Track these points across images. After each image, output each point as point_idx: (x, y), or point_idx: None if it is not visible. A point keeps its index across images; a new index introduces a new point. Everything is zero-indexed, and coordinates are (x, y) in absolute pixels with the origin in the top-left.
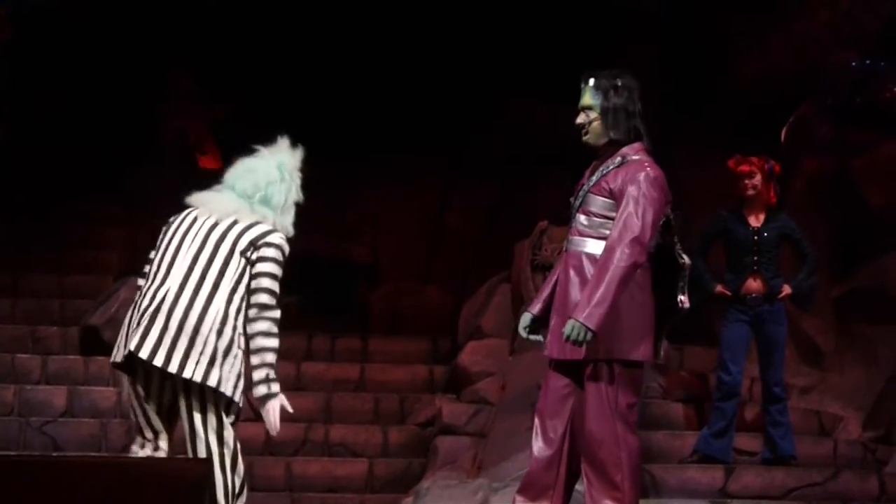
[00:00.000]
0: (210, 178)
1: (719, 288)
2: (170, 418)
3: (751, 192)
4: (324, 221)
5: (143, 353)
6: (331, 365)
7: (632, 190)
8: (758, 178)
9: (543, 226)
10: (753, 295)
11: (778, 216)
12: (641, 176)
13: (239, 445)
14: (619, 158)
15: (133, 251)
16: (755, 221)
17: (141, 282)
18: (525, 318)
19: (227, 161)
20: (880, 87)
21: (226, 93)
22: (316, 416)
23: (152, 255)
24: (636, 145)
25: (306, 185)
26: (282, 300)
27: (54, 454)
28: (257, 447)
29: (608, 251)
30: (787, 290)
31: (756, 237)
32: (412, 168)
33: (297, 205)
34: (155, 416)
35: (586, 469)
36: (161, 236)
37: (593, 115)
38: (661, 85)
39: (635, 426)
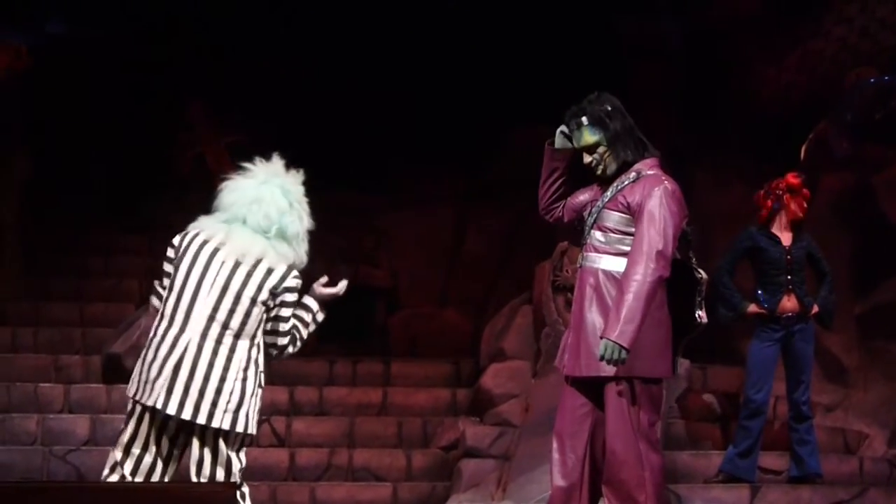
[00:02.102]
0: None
1: (753, 307)
2: (170, 458)
3: (803, 214)
4: (342, 247)
5: (171, 409)
6: (353, 389)
7: (651, 204)
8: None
9: (564, 247)
10: (788, 314)
11: (804, 234)
12: (660, 190)
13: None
14: (633, 174)
15: (154, 279)
16: (786, 240)
17: (156, 302)
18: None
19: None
20: None
21: (243, 119)
22: (339, 440)
23: (168, 270)
24: (649, 161)
25: (324, 211)
26: None
27: (79, 482)
28: (281, 473)
29: (633, 266)
30: (815, 308)
31: (789, 256)
32: (429, 193)
33: (314, 231)
34: (153, 455)
35: (608, 491)
36: (177, 258)
37: (602, 149)
38: (676, 104)
39: (658, 444)
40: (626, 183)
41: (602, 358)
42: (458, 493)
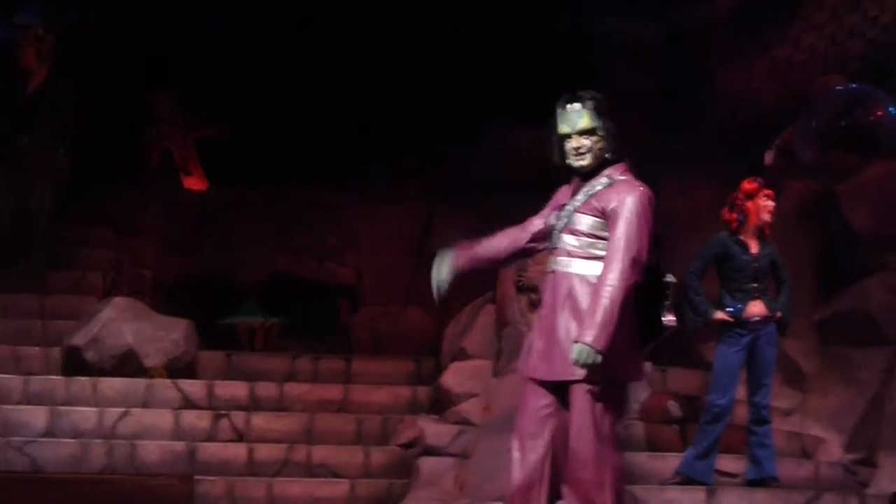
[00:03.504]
0: (196, 199)
1: (719, 314)
2: None
3: (769, 216)
4: (306, 243)
5: None
6: (314, 386)
7: (626, 210)
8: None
9: None
10: (756, 318)
11: (769, 241)
12: (635, 196)
13: None
14: (605, 179)
15: (118, 272)
16: (754, 248)
17: None
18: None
19: (212, 181)
20: (865, 111)
21: (210, 113)
22: (298, 436)
23: None
24: (620, 166)
25: (290, 206)
26: (265, 321)
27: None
28: (238, 468)
29: (608, 271)
30: (778, 313)
31: (756, 264)
32: (397, 191)
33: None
34: None
35: (567, 490)
36: None
37: (595, 138)
38: (649, 108)
39: (620, 446)
40: (599, 188)
41: (576, 362)
42: (417, 490)
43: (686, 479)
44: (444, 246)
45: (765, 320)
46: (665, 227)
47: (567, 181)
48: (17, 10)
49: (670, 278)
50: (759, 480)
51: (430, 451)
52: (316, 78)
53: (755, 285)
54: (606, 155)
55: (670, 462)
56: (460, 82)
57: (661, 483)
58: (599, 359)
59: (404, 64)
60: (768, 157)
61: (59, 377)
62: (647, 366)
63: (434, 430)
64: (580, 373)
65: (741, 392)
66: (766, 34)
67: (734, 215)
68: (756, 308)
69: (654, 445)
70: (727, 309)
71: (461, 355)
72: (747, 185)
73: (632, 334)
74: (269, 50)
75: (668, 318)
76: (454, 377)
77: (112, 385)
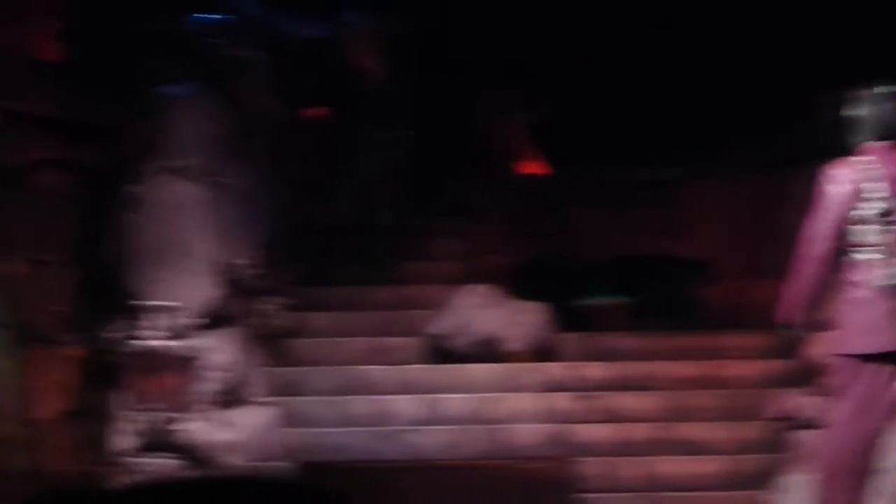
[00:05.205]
0: (536, 183)
1: None
2: None
3: None
4: (648, 221)
5: None
6: (677, 363)
7: None
8: None
9: None
10: None
11: None
12: None
13: None
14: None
15: (471, 260)
16: None
17: None
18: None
19: (550, 164)
20: None
21: (540, 99)
22: (668, 414)
23: None
24: None
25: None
26: (617, 301)
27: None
28: (610, 448)
29: None
30: None
31: None
32: (730, 163)
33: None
34: None
35: None
36: None
37: None
38: None
39: None
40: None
41: None
42: (793, 464)
43: None
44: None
45: None
46: None
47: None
48: (344, 9)
49: None
50: None
51: (804, 425)
52: (637, 53)
53: None
54: None
55: None
56: (790, 50)
57: None
58: None
59: (730, 32)
60: None
61: (426, 366)
62: None
63: (806, 404)
64: None
65: None
66: None
67: None
68: None
69: None
70: None
71: (823, 326)
72: None
73: None
74: (582, 29)
75: None
76: (821, 348)
77: (477, 371)
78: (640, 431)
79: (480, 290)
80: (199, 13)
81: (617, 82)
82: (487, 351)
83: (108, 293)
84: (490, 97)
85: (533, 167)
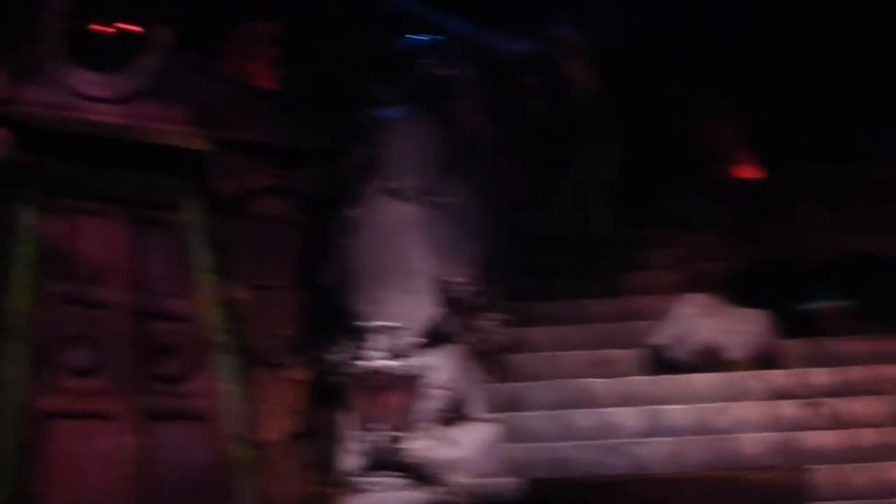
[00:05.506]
0: (752, 187)
1: None
2: None
3: None
4: (870, 220)
5: None
6: None
7: None
8: None
9: None
10: None
11: None
12: None
13: None
14: None
15: (688, 269)
16: None
17: None
18: None
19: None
20: None
21: (747, 102)
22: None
23: None
24: None
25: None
26: (842, 305)
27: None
28: (840, 456)
29: None
30: None
31: None
32: None
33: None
34: None
35: None
36: None
37: None
38: None
39: None
40: None
41: None
42: None
43: None
44: None
45: None
46: None
47: None
48: (552, 24)
49: None
50: None
51: None
52: (866, 53)
53: None
54: None
55: None
56: None
57: None
58: None
59: None
60: None
61: (647, 377)
62: None
63: None
64: None
65: None
66: None
67: None
68: None
69: None
70: None
71: None
72: None
73: None
74: (799, 31)
75: None
76: None
77: (699, 381)
78: (868, 437)
79: (700, 298)
80: (411, 35)
81: (832, 78)
82: (709, 360)
83: (331, 316)
84: (701, 102)
85: (747, 170)
